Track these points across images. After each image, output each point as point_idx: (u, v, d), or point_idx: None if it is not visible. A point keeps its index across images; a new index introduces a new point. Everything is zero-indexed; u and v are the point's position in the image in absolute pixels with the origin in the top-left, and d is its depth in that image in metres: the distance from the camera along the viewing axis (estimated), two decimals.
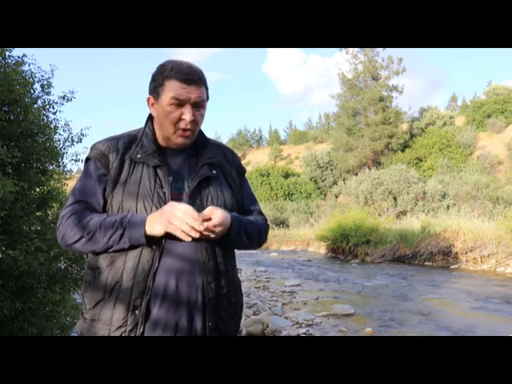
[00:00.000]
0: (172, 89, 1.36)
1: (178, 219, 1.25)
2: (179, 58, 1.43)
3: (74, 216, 1.34)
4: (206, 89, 1.43)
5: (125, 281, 1.31)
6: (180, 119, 1.38)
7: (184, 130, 1.39)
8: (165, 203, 1.33)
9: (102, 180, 1.38)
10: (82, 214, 1.34)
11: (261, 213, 1.60)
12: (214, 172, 1.45)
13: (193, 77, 1.37)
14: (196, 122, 1.41)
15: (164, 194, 1.35)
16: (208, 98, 1.44)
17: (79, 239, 1.32)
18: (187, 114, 1.37)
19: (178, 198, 1.37)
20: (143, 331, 1.30)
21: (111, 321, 1.31)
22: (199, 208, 1.35)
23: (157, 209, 1.32)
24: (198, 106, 1.40)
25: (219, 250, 1.39)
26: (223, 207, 1.40)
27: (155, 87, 1.40)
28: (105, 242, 1.31)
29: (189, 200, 1.37)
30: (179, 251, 1.33)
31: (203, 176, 1.42)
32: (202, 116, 1.43)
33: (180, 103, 1.37)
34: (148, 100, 1.44)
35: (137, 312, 1.30)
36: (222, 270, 1.40)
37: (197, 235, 1.26)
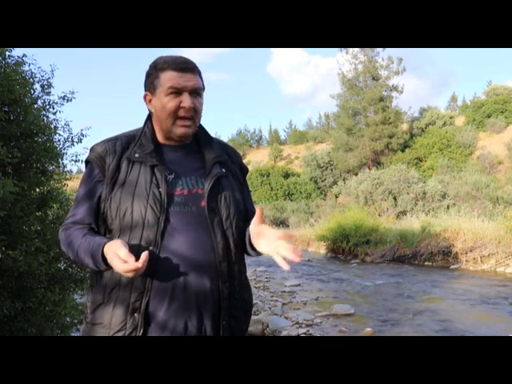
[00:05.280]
0: (168, 79, 1.37)
1: (119, 268, 1.22)
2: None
3: (64, 232, 1.39)
4: (201, 79, 1.44)
5: (123, 283, 1.31)
6: (179, 107, 1.37)
7: (184, 118, 1.38)
8: (160, 202, 1.32)
9: (97, 185, 1.39)
10: (71, 231, 1.37)
11: None
12: (224, 170, 1.45)
13: (187, 65, 1.39)
14: (196, 110, 1.40)
15: (160, 193, 1.33)
16: (204, 88, 1.44)
17: (69, 256, 1.39)
18: (186, 101, 1.36)
19: (180, 194, 1.36)
20: (143, 333, 1.29)
21: (110, 324, 1.31)
22: (214, 209, 1.37)
23: (152, 209, 1.31)
24: (196, 93, 1.40)
25: (234, 252, 1.39)
26: (236, 207, 1.42)
27: (151, 82, 1.40)
28: (86, 265, 1.34)
29: (207, 200, 1.37)
30: (186, 251, 1.32)
31: (217, 175, 1.41)
32: (201, 104, 1.43)
33: (178, 91, 1.37)
34: (145, 97, 1.44)
35: (136, 315, 1.29)
36: (235, 270, 1.40)
37: (133, 273, 1.21)
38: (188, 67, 1.39)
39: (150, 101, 1.42)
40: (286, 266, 1.23)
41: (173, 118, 1.38)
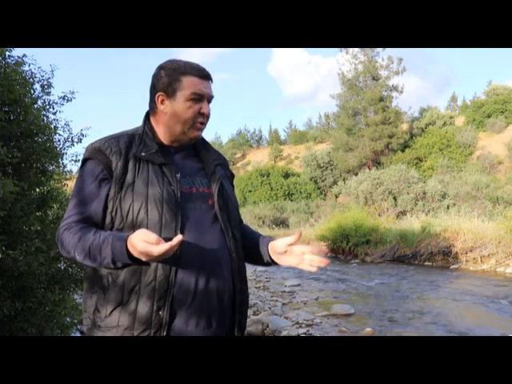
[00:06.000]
0: (191, 84, 1.40)
1: (157, 251, 1.17)
2: (185, 58, 1.45)
3: (67, 232, 1.32)
4: None
5: (145, 282, 1.28)
6: (198, 113, 1.41)
7: (201, 123, 1.43)
8: (176, 200, 1.33)
9: (103, 184, 1.35)
10: (75, 230, 1.30)
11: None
12: (223, 172, 1.51)
13: (206, 73, 1.44)
14: (209, 117, 1.45)
15: (173, 191, 1.34)
16: None
17: (73, 257, 1.31)
18: (206, 108, 1.42)
19: (189, 192, 1.39)
20: (168, 331, 1.28)
21: (134, 325, 1.28)
22: (223, 207, 1.42)
23: (168, 206, 1.31)
24: (210, 101, 1.45)
25: (240, 248, 1.46)
26: (236, 208, 1.52)
27: (169, 84, 1.40)
28: (98, 265, 1.28)
29: (217, 200, 1.41)
30: (204, 247, 1.34)
31: (223, 176, 1.48)
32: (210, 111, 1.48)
33: (199, 98, 1.41)
34: (158, 97, 1.42)
35: (161, 313, 1.28)
36: (242, 266, 1.46)
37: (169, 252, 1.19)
38: (207, 75, 1.44)
39: (163, 101, 1.42)
40: (312, 269, 1.39)
41: (191, 122, 1.41)
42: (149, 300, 1.28)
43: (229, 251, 1.40)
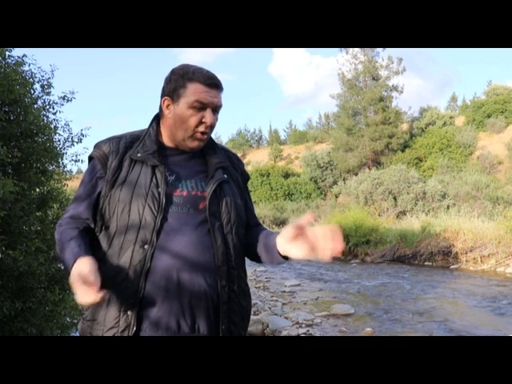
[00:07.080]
0: (196, 91, 1.37)
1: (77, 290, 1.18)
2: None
3: (58, 228, 1.40)
4: None
5: (117, 281, 1.31)
6: (200, 122, 1.38)
7: (202, 133, 1.40)
8: (159, 202, 1.33)
9: (99, 182, 1.40)
10: (62, 229, 1.38)
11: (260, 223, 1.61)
12: (226, 176, 1.46)
13: (215, 81, 1.40)
14: (212, 127, 1.42)
15: (159, 193, 1.34)
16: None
17: None
18: (208, 118, 1.38)
19: (180, 195, 1.37)
20: (136, 332, 1.29)
21: (104, 321, 1.32)
22: (216, 213, 1.38)
23: (150, 208, 1.32)
24: (216, 111, 1.42)
25: (234, 257, 1.39)
26: (236, 213, 1.43)
27: (175, 89, 1.39)
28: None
29: (208, 204, 1.37)
30: (181, 251, 1.31)
31: (220, 180, 1.42)
32: (217, 121, 1.44)
33: (202, 106, 1.37)
34: (163, 101, 1.42)
35: (129, 313, 1.29)
36: (234, 275, 1.39)
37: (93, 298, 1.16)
38: (216, 83, 1.40)
39: (168, 106, 1.41)
40: (327, 258, 1.20)
41: (192, 131, 1.39)
42: (118, 299, 1.30)
43: (214, 258, 1.34)
